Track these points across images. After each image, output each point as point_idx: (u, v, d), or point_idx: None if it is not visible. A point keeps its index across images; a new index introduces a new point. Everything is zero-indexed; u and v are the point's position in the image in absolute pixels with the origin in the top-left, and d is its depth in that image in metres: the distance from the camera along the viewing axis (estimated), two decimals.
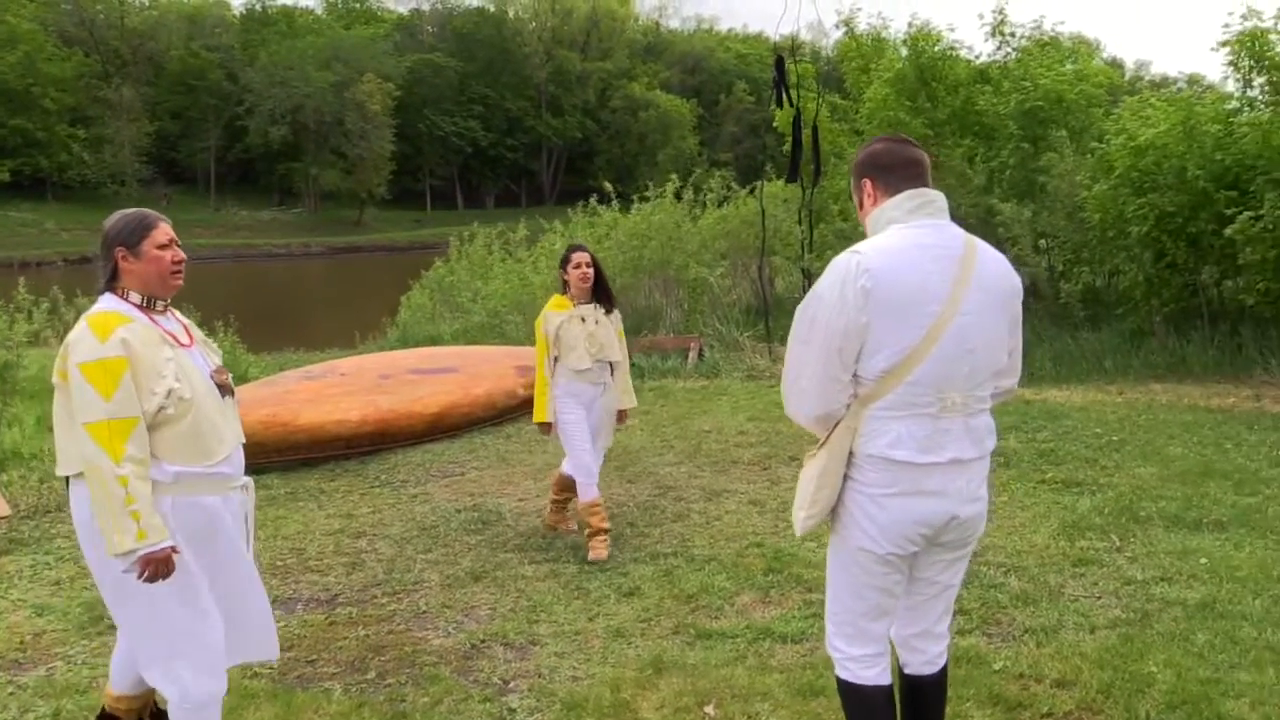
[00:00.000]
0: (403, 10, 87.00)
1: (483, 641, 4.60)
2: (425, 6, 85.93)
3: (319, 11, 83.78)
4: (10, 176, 60.28)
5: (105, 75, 67.74)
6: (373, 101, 66.43)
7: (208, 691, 3.22)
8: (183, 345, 3.28)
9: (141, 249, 3.25)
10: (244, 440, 3.43)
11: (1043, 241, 12.65)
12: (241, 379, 11.66)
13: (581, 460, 5.82)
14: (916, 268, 2.64)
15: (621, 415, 6.12)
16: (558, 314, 5.79)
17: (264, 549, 6.05)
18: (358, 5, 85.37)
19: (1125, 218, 10.71)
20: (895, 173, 2.79)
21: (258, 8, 79.55)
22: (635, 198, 14.52)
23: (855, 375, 2.70)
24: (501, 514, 6.61)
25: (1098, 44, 15.29)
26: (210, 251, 59.26)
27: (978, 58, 14.83)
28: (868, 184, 2.85)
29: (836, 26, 15.54)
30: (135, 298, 3.24)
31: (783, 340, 13.63)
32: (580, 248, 5.92)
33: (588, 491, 5.81)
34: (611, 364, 5.89)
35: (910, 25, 14.74)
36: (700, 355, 12.00)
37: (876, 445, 2.68)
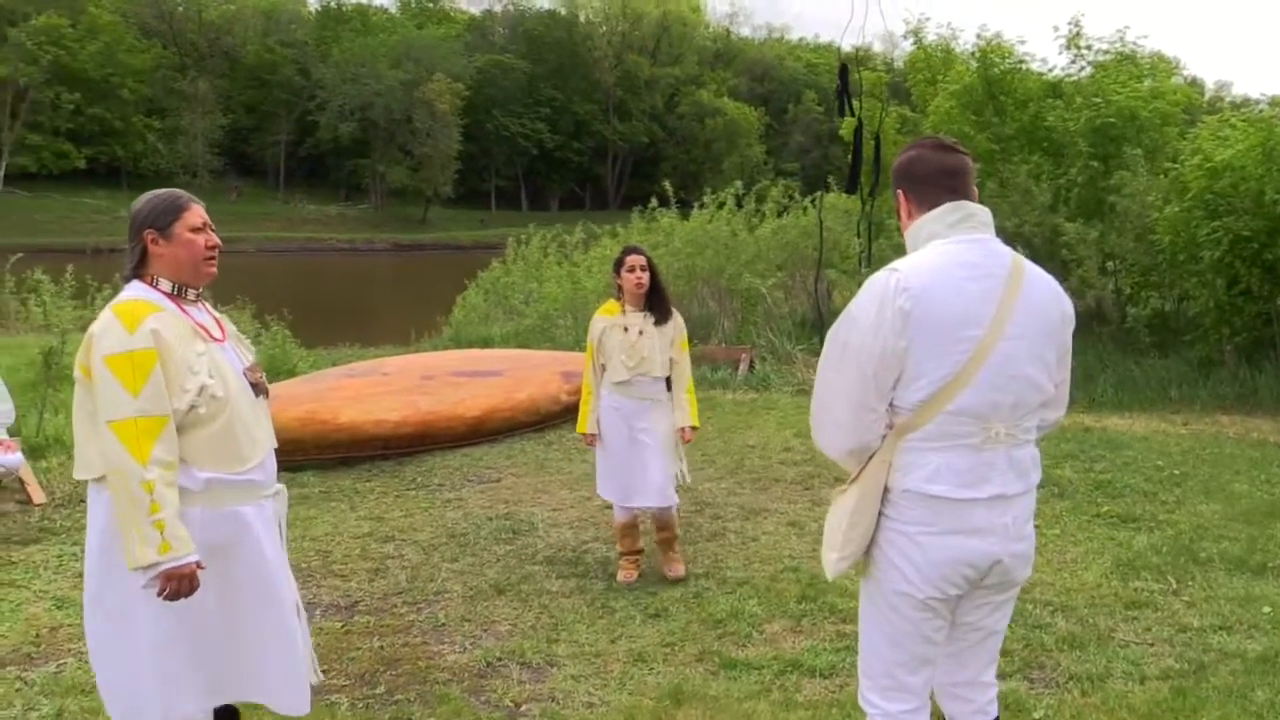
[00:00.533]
0: (475, 11, 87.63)
1: (499, 659, 4.44)
2: (497, 8, 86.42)
3: (393, 10, 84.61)
4: (86, 164, 61.56)
5: (182, 67, 68.89)
6: (441, 101, 66.82)
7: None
8: (215, 340, 3.06)
9: (173, 231, 3.02)
10: (276, 444, 3.22)
11: (1110, 263, 12.23)
12: (290, 373, 11.66)
13: (607, 479, 5.51)
14: (959, 288, 2.44)
15: (685, 432, 5.49)
16: (604, 319, 5.46)
17: (291, 550, 5.84)
18: (431, 5, 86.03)
19: (1198, 241, 10.29)
20: (931, 184, 2.59)
21: (333, 5, 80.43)
22: (695, 204, 14.32)
23: (891, 404, 2.51)
24: (534, 524, 6.45)
25: (1177, 62, 14.79)
26: (277, 244, 60.14)
27: (1050, 70, 14.43)
28: (901, 196, 2.65)
29: (905, 36, 15.22)
30: (165, 285, 3.01)
31: None
32: (635, 250, 5.50)
33: (617, 512, 5.57)
34: (668, 379, 5.42)
35: (979, 37, 14.37)
36: (750, 367, 11.77)
37: (913, 479, 2.48)
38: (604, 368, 5.42)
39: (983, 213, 2.59)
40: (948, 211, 2.56)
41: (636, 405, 5.38)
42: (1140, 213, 11.24)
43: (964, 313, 2.43)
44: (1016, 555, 2.56)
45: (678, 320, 5.51)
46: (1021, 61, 14.08)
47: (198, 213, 3.09)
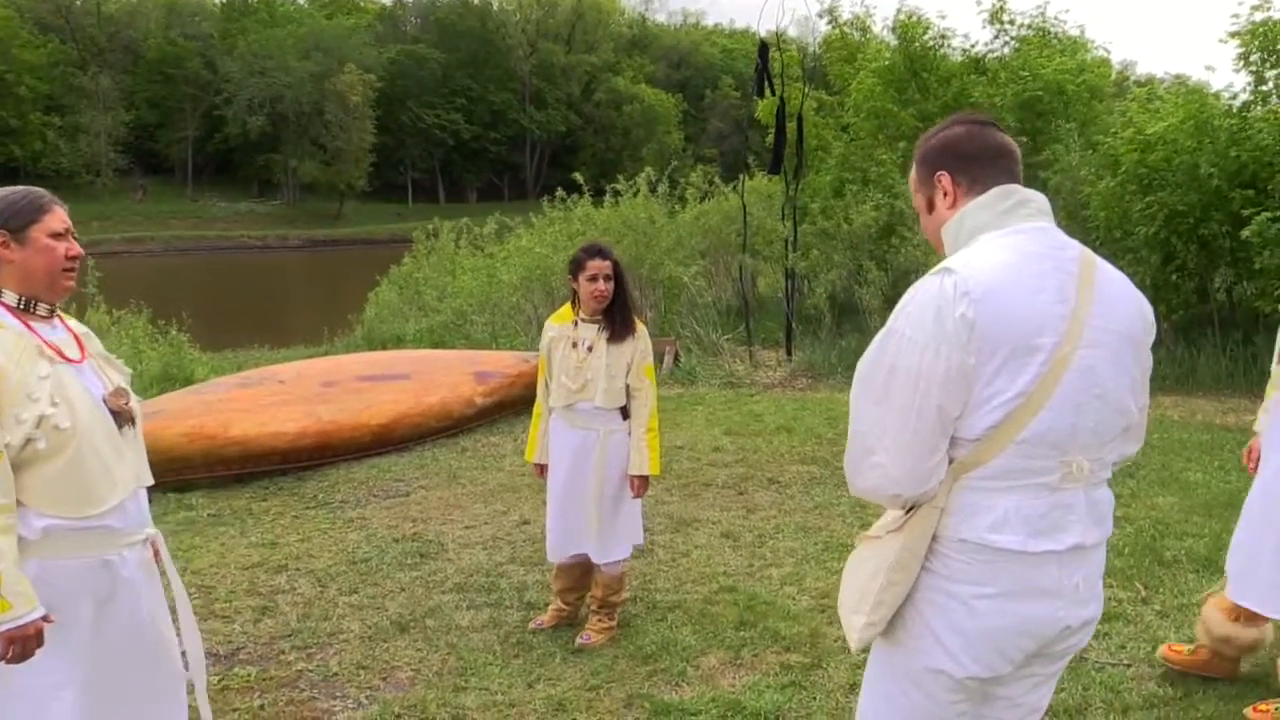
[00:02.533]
0: (386, 0, 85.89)
1: (397, 716, 3.86)
2: None
3: (301, 1, 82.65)
4: None
5: (82, 63, 66.53)
6: (353, 93, 65.37)
7: None
8: (69, 360, 2.57)
9: (29, 235, 2.56)
10: (150, 482, 2.76)
11: None
12: (187, 381, 10.91)
13: (551, 521, 4.60)
14: (1024, 287, 1.98)
15: (633, 483, 4.44)
16: (554, 327, 4.59)
17: (168, 585, 5.28)
18: None
19: (1131, 217, 10.01)
20: (983, 164, 2.13)
21: None
22: (610, 191, 13.76)
23: (952, 436, 2.02)
24: (444, 545, 5.86)
25: (1084, 38, 14.52)
26: (186, 243, 58.53)
27: (973, 47, 14.12)
28: (944, 178, 2.15)
29: (820, 15, 14.81)
30: (10, 298, 2.55)
31: (765, 343, 13.03)
32: (600, 251, 4.45)
33: (550, 551, 4.67)
34: (623, 409, 4.45)
35: (899, 12, 14.00)
36: (676, 360, 11.26)
37: (973, 528, 2.00)
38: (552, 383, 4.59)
39: (1039, 199, 2.13)
40: (998, 197, 2.10)
41: (580, 436, 4.45)
42: (1072, 189, 10.94)
43: (1037, 316, 1.97)
44: (1087, 621, 2.11)
45: (641, 339, 4.48)
46: (943, 36, 13.74)
47: (60, 216, 2.63)
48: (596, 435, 4.44)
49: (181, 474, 7.20)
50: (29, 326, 2.53)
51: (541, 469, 4.66)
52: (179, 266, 49.47)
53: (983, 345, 1.92)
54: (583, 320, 4.49)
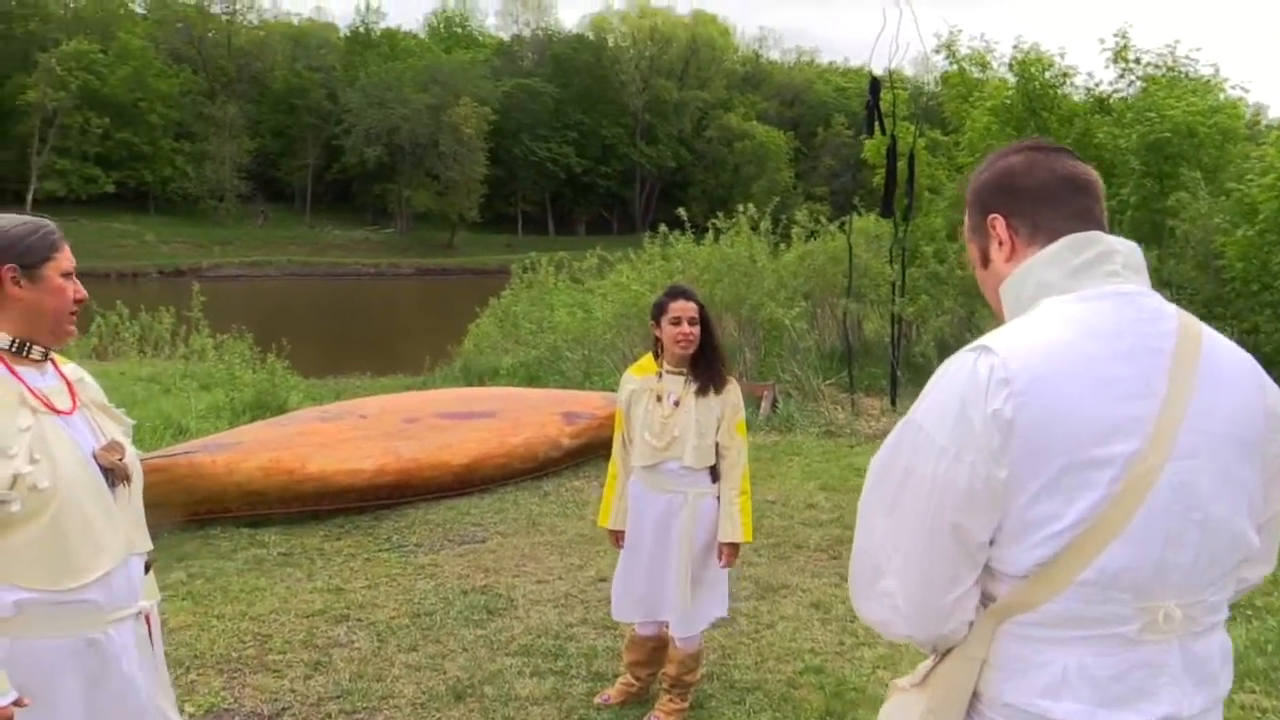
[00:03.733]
0: (503, 35, 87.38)
1: None
2: (525, 32, 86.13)
3: (421, 34, 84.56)
4: (115, 188, 61.51)
5: (210, 92, 68.91)
6: (467, 124, 66.37)
7: None
8: (57, 411, 2.28)
9: (42, 273, 2.29)
10: (146, 549, 2.43)
11: (1168, 293, 11.22)
12: (280, 409, 10.86)
13: (625, 594, 4.21)
14: (1089, 376, 1.48)
15: (722, 551, 4.04)
16: (634, 380, 4.21)
17: (225, 631, 5.07)
18: (460, 30, 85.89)
19: (1271, 269, 9.29)
20: (1049, 203, 1.63)
21: (362, 29, 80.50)
22: (711, 228, 13.39)
23: (988, 566, 1.55)
24: (514, 600, 5.53)
25: (1218, 78, 13.64)
26: (302, 269, 59.92)
27: (1097, 85, 13.46)
28: (998, 223, 1.68)
29: (937, 50, 14.27)
30: (2, 339, 2.27)
31: (869, 390, 12.49)
32: (683, 293, 4.09)
33: (617, 611, 4.32)
34: (712, 469, 4.06)
35: (1016, 49, 13.40)
36: (774, 405, 10.82)
37: (1022, 690, 1.52)
38: (633, 441, 4.20)
39: (1129, 250, 1.62)
40: (1071, 248, 1.60)
41: (665, 500, 4.06)
42: (1203, 237, 10.22)
43: (1107, 417, 1.47)
44: None
45: (732, 392, 4.09)
46: (1065, 74, 13.11)
47: (69, 255, 2.36)
48: (683, 498, 4.04)
49: (256, 509, 7.04)
50: (12, 371, 2.25)
51: (617, 536, 4.26)
52: (294, 291, 50.57)
53: (1023, 454, 1.45)
54: (668, 371, 4.11)
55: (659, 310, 4.11)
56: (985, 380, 1.48)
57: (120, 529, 2.31)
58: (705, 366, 4.07)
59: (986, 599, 1.55)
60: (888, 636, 1.67)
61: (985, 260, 1.72)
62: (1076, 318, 1.53)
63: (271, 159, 70.69)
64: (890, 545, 1.58)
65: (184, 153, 65.49)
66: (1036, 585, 1.48)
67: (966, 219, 1.76)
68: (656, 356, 4.18)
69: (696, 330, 4.04)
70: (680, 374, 4.08)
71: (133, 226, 61.91)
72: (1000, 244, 1.67)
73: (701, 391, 4.03)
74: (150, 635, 2.45)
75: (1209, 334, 1.59)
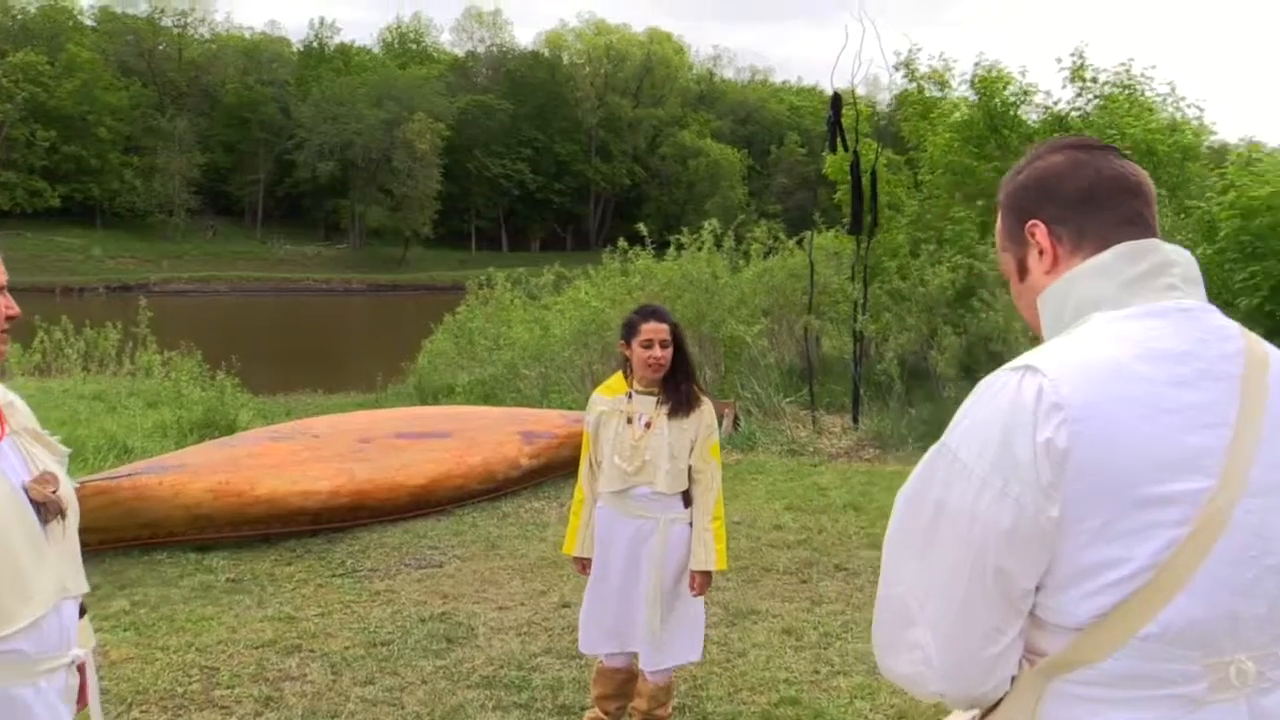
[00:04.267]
0: (458, 52, 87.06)
1: None
2: (480, 49, 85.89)
3: (376, 50, 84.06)
4: (61, 202, 60.47)
5: (160, 106, 68.01)
6: (421, 140, 66.02)
7: None
8: None
9: None
10: (81, 592, 2.19)
11: None
12: (229, 428, 10.57)
13: (592, 623, 4.01)
14: (1158, 405, 1.31)
15: (694, 579, 3.88)
16: (603, 400, 4.01)
17: (169, 664, 4.81)
18: (414, 45, 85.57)
19: (1231, 288, 9.28)
20: (1096, 208, 1.46)
21: (315, 44, 79.92)
22: (672, 243, 13.26)
23: (1034, 615, 1.37)
24: (474, 629, 5.31)
25: (1174, 95, 13.76)
26: (252, 284, 59.21)
27: (1056, 104, 13.50)
28: (1039, 231, 1.50)
29: (896, 68, 14.25)
30: None
31: (830, 408, 12.39)
32: (655, 313, 3.92)
33: (584, 643, 4.11)
34: (685, 494, 3.88)
35: (978, 65, 13.41)
36: (735, 424, 10.67)
37: None
38: (601, 465, 4.01)
39: (1186, 261, 1.46)
40: (1125, 258, 1.42)
41: (635, 526, 3.88)
42: None
43: (1174, 449, 1.30)
44: None
45: (706, 413, 3.92)
46: (1025, 92, 13.14)
47: (2, 268, 2.11)
48: (655, 524, 3.86)
49: (204, 533, 6.76)
50: None
51: (584, 564, 4.06)
52: (244, 307, 49.92)
53: (1079, 490, 1.28)
54: (638, 392, 3.93)
55: (629, 330, 3.92)
56: (1033, 404, 1.30)
57: (52, 569, 2.07)
58: (677, 387, 3.90)
59: (1032, 654, 1.38)
60: (917, 694, 1.48)
61: (1023, 272, 1.54)
62: (1133, 336, 1.35)
63: (222, 173, 69.84)
64: (922, 590, 1.39)
65: (133, 166, 64.58)
66: (1092, 639, 1.31)
67: (999, 225, 1.58)
68: (626, 376, 4.00)
69: (668, 354, 3.87)
70: (651, 395, 3.91)
71: (79, 241, 60.91)
72: (1041, 253, 1.49)
73: (674, 413, 3.86)
74: (83, 687, 2.21)
75: (1276, 355, 1.43)
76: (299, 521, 7.02)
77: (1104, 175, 1.46)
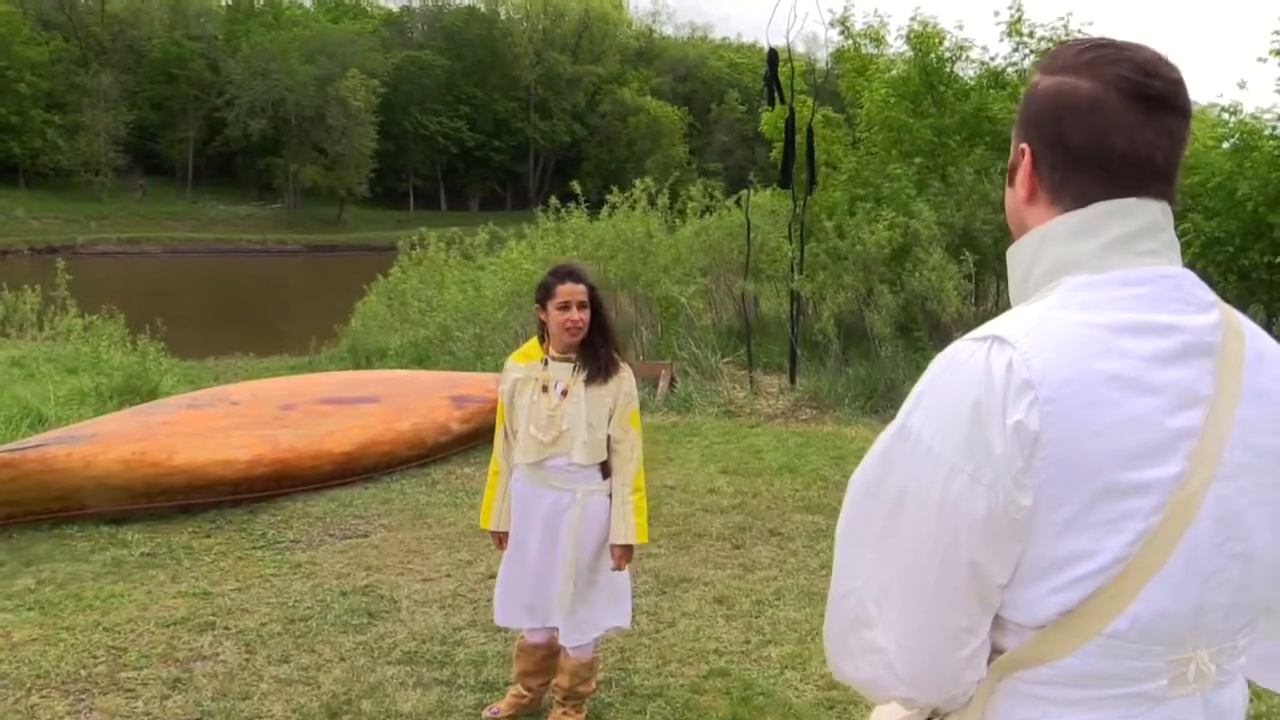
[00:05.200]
0: (392, 6, 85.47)
1: None
2: (415, 3, 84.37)
3: (307, 4, 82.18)
4: None
5: (84, 61, 65.93)
6: (356, 97, 64.77)
7: None
8: None
9: None
10: None
11: None
12: (151, 394, 10.25)
13: (509, 598, 3.84)
14: (1138, 382, 1.18)
15: (614, 553, 3.72)
16: (518, 367, 3.81)
17: (74, 645, 4.59)
18: (347, 0, 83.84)
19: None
20: (1089, 167, 1.26)
21: None
22: (604, 202, 13.04)
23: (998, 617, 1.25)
24: (397, 602, 5.14)
25: None
26: (184, 245, 57.91)
27: (992, 59, 13.42)
28: (1026, 159, 1.31)
29: (831, 24, 14.08)
30: None
31: (767, 368, 12.28)
32: (570, 273, 3.70)
33: (500, 616, 3.92)
34: (603, 464, 3.73)
35: (914, 20, 13.27)
36: (671, 386, 10.54)
37: None
38: (517, 435, 3.81)
39: (1168, 222, 1.27)
40: (1107, 217, 1.24)
41: (552, 498, 3.70)
42: None
43: (1151, 432, 1.17)
44: None
45: (625, 380, 3.75)
46: (960, 47, 13.04)
47: None
48: (572, 496, 3.69)
49: (119, 505, 6.51)
50: None
51: (500, 538, 3.88)
52: (175, 269, 48.90)
53: (1050, 477, 1.15)
54: (554, 359, 3.74)
55: (544, 293, 3.71)
56: (1003, 380, 1.16)
57: None
58: (595, 352, 3.70)
59: (992, 654, 1.25)
60: (876, 698, 1.34)
61: (1010, 178, 1.36)
62: (1112, 306, 1.21)
63: (150, 131, 68.01)
64: (879, 588, 1.26)
65: (56, 124, 62.51)
66: (1055, 637, 1.19)
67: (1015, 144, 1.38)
68: (542, 341, 3.80)
69: (586, 316, 3.67)
70: (568, 361, 3.72)
71: (1, 201, 59.07)
72: (1023, 186, 1.31)
73: (591, 380, 3.68)
74: None
75: (1250, 328, 1.29)
76: (219, 492, 6.78)
77: (1115, 146, 1.23)
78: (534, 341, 3.85)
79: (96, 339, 12.40)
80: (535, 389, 3.72)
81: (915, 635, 1.23)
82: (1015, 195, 1.34)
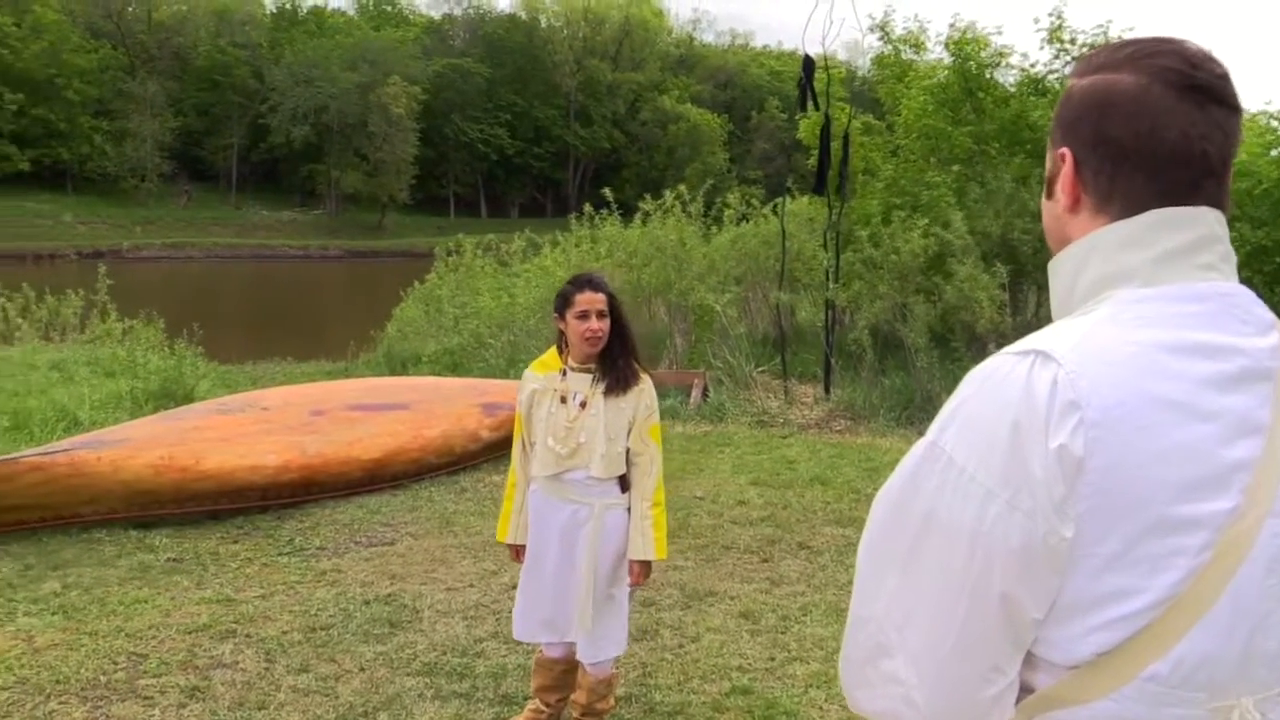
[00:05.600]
0: (434, 14, 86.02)
1: None
2: (456, 11, 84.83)
3: (349, 12, 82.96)
4: (30, 166, 59.51)
5: (131, 68, 66.98)
6: (397, 104, 65.23)
7: None
8: None
9: None
10: None
11: None
12: (188, 397, 10.32)
13: (528, 613, 3.74)
14: (1193, 409, 1.08)
15: (632, 569, 3.63)
16: (536, 378, 3.71)
17: (96, 650, 4.58)
18: (389, 8, 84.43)
19: None
20: (1134, 168, 1.17)
21: (288, 6, 78.76)
22: (640, 209, 12.97)
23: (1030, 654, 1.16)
24: (419, 611, 5.09)
25: None
26: (227, 250, 58.52)
27: (1032, 66, 13.23)
28: (1067, 163, 1.22)
29: (870, 30, 13.95)
30: None
31: (802, 377, 12.15)
32: (590, 282, 3.60)
33: (519, 630, 3.81)
34: (622, 478, 3.63)
35: (953, 27, 13.11)
36: (705, 395, 10.45)
37: None
38: (534, 447, 3.71)
39: (1224, 233, 1.18)
40: (1162, 228, 1.16)
41: (570, 511, 3.60)
42: None
43: (1205, 463, 1.07)
44: None
45: (645, 392, 3.65)
46: (1000, 54, 12.86)
47: None
48: (590, 510, 3.59)
49: (147, 510, 6.51)
50: None
51: (518, 551, 3.80)
52: (218, 274, 49.42)
53: (1095, 508, 1.06)
54: (573, 369, 3.63)
55: (563, 302, 3.61)
56: (1046, 400, 1.07)
57: None
58: (614, 362, 3.60)
59: (1022, 695, 1.17)
60: None
61: (1049, 190, 1.27)
62: (1166, 323, 1.12)
63: (195, 138, 68.93)
64: (901, 614, 1.17)
65: (103, 130, 63.62)
66: (1090, 678, 1.10)
67: (1049, 153, 1.30)
68: (560, 351, 3.69)
69: (606, 325, 3.57)
70: (587, 371, 3.61)
71: (49, 206, 60.04)
72: (1066, 194, 1.23)
73: (610, 391, 3.58)
74: None
75: None
76: (247, 498, 6.78)
77: (1165, 140, 1.14)
78: (553, 352, 3.74)
79: (134, 343, 12.50)
80: (553, 400, 3.62)
81: (940, 670, 1.15)
82: (1055, 207, 1.25)
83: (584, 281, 3.61)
